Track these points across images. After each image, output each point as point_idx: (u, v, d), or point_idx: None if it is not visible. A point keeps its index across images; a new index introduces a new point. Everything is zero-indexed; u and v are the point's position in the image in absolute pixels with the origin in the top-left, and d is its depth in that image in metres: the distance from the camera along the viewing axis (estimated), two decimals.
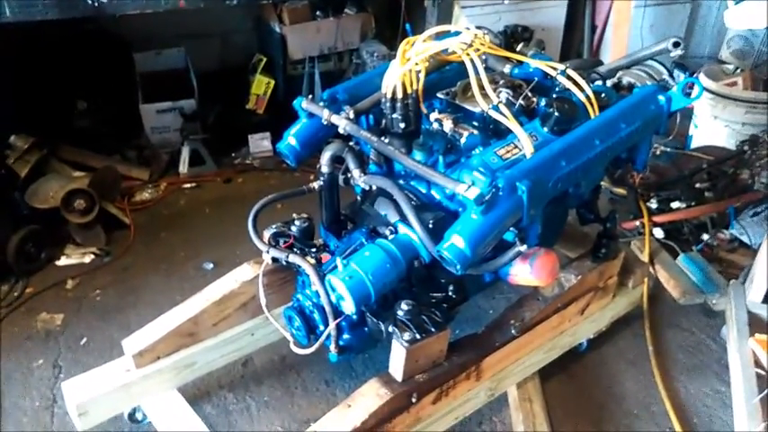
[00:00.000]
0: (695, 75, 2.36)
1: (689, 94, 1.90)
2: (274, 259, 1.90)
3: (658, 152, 3.28)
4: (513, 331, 1.92)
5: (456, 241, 1.53)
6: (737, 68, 3.45)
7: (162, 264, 2.85)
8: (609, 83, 2.05)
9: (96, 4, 2.80)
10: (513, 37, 2.20)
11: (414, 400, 1.71)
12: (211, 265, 2.82)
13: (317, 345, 1.77)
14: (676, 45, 1.98)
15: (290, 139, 1.97)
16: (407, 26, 2.67)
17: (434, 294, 1.80)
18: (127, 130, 3.66)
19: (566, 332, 2.15)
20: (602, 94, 1.92)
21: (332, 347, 1.77)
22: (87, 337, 2.45)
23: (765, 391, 1.87)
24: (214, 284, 2.04)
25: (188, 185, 3.47)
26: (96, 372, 1.95)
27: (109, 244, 2.95)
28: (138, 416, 2.03)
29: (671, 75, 2.01)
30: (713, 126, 3.36)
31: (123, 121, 3.64)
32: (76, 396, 1.87)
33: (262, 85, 3.79)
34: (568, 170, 1.69)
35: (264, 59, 3.83)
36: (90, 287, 2.71)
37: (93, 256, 2.88)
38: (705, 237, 2.85)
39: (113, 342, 2.33)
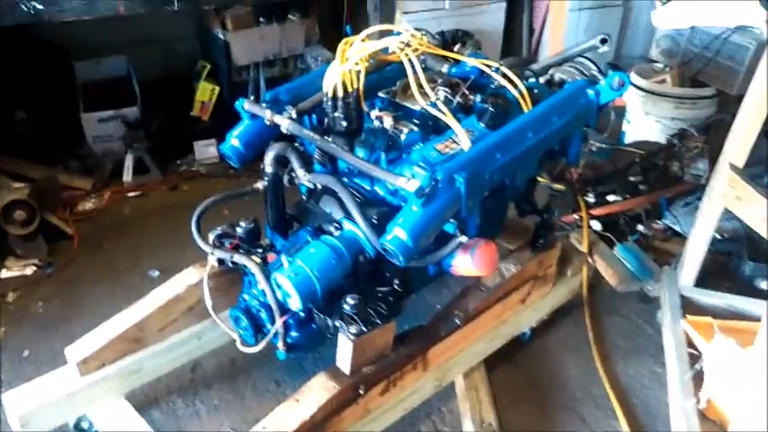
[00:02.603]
0: (626, 72, 2.47)
1: (618, 89, 2.00)
2: (220, 261, 1.91)
3: (594, 148, 3.39)
4: (457, 321, 1.97)
5: (398, 233, 1.57)
6: (666, 66, 3.61)
7: (106, 274, 2.80)
8: (541, 79, 2.13)
9: (32, 12, 2.74)
10: (453, 40, 2.27)
11: (362, 392, 1.74)
12: (157, 273, 2.79)
13: (263, 343, 1.78)
14: (603, 42, 2.08)
15: (233, 140, 1.98)
16: (347, 27, 2.74)
17: (380, 288, 1.84)
18: (68, 140, 3.58)
19: (508, 321, 2.22)
20: (535, 90, 2.00)
21: (280, 345, 1.78)
22: (30, 349, 2.39)
23: (696, 367, 1.97)
24: (159, 289, 2.02)
25: (132, 194, 3.41)
26: (39, 381, 1.91)
27: (51, 255, 2.88)
28: (85, 425, 1.99)
29: (600, 70, 2.10)
30: (645, 122, 3.51)
31: (64, 131, 3.56)
32: (18, 407, 1.82)
33: (206, 92, 3.76)
34: (503, 162, 1.76)
35: (208, 66, 3.80)
36: (32, 299, 2.64)
37: (35, 268, 2.80)
38: (640, 227, 2.97)
39: (57, 354, 2.25)
